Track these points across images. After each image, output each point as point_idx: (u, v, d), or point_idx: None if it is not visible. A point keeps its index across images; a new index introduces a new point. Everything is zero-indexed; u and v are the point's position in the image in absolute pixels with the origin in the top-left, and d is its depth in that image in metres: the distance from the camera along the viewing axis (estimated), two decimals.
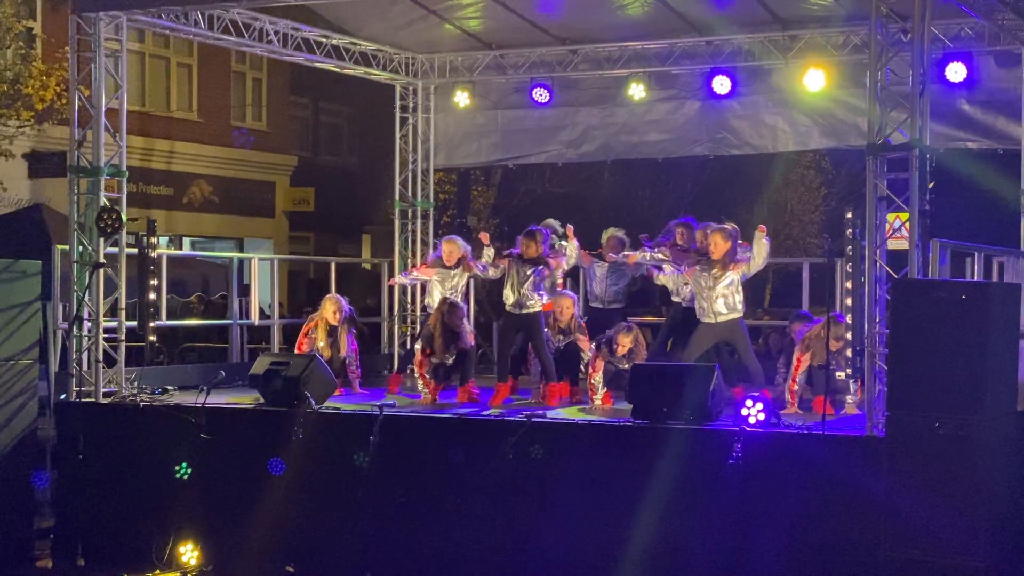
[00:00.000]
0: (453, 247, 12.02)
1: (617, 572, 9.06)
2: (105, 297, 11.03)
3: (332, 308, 12.01)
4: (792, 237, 28.78)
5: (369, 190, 26.70)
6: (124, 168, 11.22)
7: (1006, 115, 12.63)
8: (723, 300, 10.59)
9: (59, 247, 11.75)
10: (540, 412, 9.99)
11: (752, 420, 9.07)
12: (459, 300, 11.73)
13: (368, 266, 22.28)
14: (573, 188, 27.45)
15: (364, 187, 27.71)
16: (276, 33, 13.04)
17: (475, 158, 15.52)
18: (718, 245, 10.62)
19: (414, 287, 14.34)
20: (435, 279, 12.02)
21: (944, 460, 7.98)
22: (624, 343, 10.88)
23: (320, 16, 14.33)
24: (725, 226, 10.87)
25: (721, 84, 13.21)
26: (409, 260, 15.02)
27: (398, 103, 15.02)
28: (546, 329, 11.33)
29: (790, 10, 12.61)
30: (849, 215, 10.13)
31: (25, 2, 19.16)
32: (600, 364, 10.91)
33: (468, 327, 11.70)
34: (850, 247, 9.93)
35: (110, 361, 11.05)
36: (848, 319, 9.83)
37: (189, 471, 10.15)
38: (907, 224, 9.07)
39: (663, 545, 8.99)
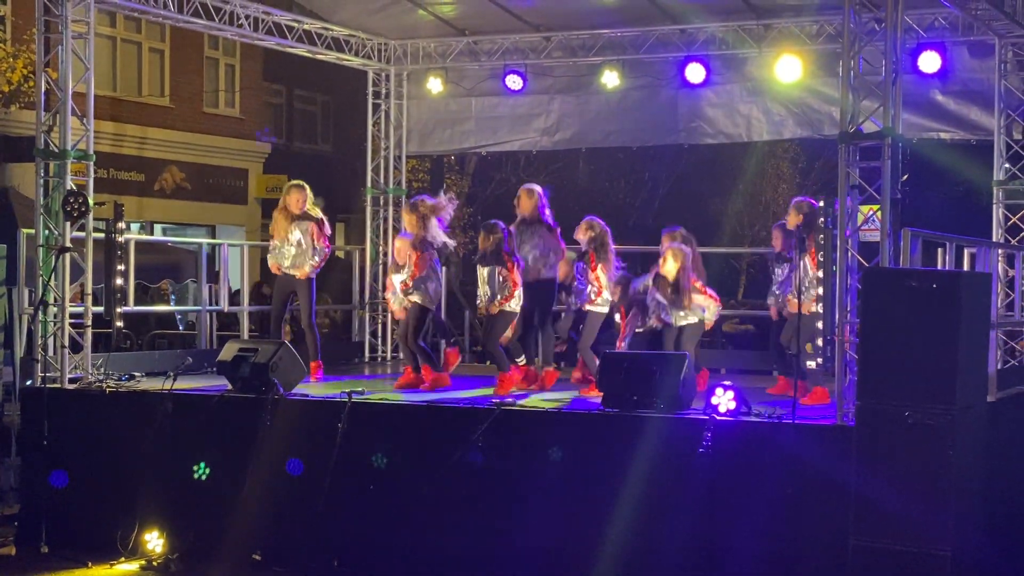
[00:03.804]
0: (402, 245, 11.42)
1: (589, 560, 9.01)
2: (71, 282, 10.90)
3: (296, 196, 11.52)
4: (767, 227, 28.82)
5: (343, 178, 26.56)
6: (91, 152, 11.08)
7: (979, 106, 12.65)
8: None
9: (25, 231, 11.61)
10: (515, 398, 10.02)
11: (722, 409, 9.04)
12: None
13: (341, 254, 22.14)
14: (548, 177, 27.40)
15: (338, 175, 27.54)
16: (247, 17, 12.93)
17: (448, 145, 15.43)
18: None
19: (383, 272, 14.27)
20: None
21: (914, 450, 7.94)
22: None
23: (293, 0, 14.24)
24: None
25: (695, 72, 13.17)
26: (381, 247, 14.93)
27: (371, 89, 14.92)
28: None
29: None
30: (821, 204, 10.09)
31: None
32: None
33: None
34: (822, 236, 9.90)
35: (76, 347, 10.92)
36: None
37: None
38: (879, 215, 9.05)
39: (634, 533, 8.94)
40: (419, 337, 11.22)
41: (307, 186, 11.73)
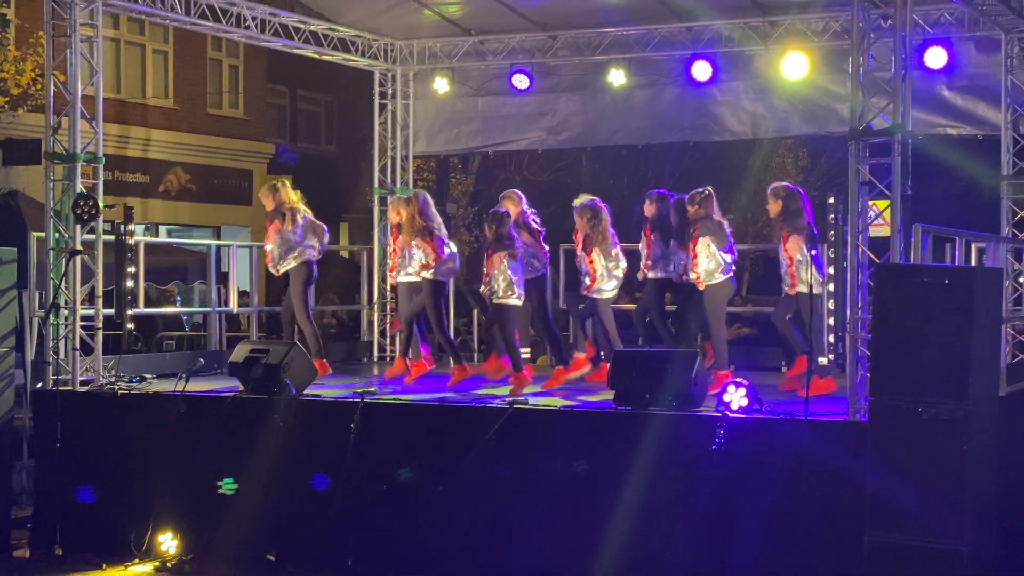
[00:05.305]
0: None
1: (600, 558, 9.03)
2: (82, 284, 10.92)
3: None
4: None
5: (347, 178, 26.59)
6: (101, 154, 11.10)
7: (986, 101, 12.67)
8: None
9: (35, 234, 11.64)
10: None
11: (734, 406, 9.05)
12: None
13: (346, 254, 22.17)
14: (551, 176, 27.43)
15: (342, 175, 27.58)
16: (254, 19, 12.96)
17: (455, 145, 15.45)
18: None
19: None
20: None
21: (927, 445, 7.95)
22: None
23: (298, 1, 14.26)
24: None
25: (701, 70, 13.19)
26: (388, 248, 14.92)
27: (377, 89, 14.94)
28: None
29: None
30: (831, 200, 10.13)
31: None
32: None
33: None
34: (832, 232, 9.93)
35: (87, 349, 10.94)
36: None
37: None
38: (885, 212, 9.07)
39: (646, 530, 8.96)
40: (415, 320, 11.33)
41: (274, 184, 11.80)
